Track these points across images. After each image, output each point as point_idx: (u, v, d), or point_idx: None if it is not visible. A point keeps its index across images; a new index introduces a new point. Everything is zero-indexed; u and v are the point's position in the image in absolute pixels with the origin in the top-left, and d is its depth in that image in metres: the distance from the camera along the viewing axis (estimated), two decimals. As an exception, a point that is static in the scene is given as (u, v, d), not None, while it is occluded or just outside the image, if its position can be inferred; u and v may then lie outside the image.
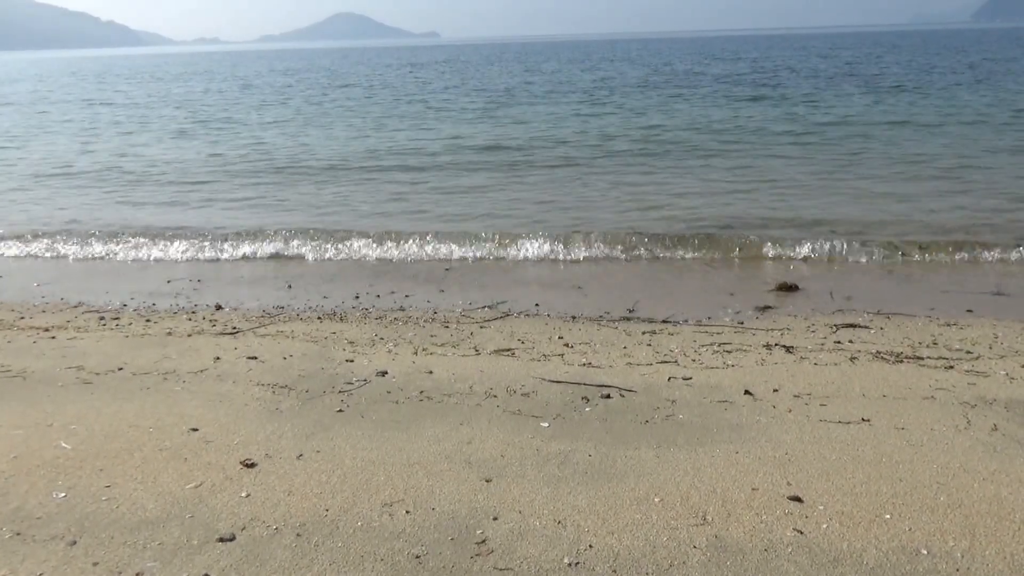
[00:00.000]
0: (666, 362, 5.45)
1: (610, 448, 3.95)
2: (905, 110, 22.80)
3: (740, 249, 9.36)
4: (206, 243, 10.25)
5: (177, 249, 10.11)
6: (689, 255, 9.29)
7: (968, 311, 6.94)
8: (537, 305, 7.41)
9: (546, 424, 4.29)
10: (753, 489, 3.49)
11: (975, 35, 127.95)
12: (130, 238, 10.61)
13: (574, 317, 6.94)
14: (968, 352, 5.62)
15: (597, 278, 8.57)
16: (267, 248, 9.99)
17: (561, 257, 9.41)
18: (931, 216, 10.61)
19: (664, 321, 6.76)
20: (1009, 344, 5.85)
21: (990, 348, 5.73)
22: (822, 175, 13.72)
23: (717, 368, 5.28)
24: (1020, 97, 25.29)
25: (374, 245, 9.92)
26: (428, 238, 9.96)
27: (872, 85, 31.81)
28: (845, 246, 9.22)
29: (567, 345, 5.98)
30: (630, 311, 7.14)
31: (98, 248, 10.37)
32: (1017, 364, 5.29)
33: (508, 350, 5.82)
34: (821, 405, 4.52)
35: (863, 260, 8.91)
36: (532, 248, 9.58)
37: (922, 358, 5.45)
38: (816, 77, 37.50)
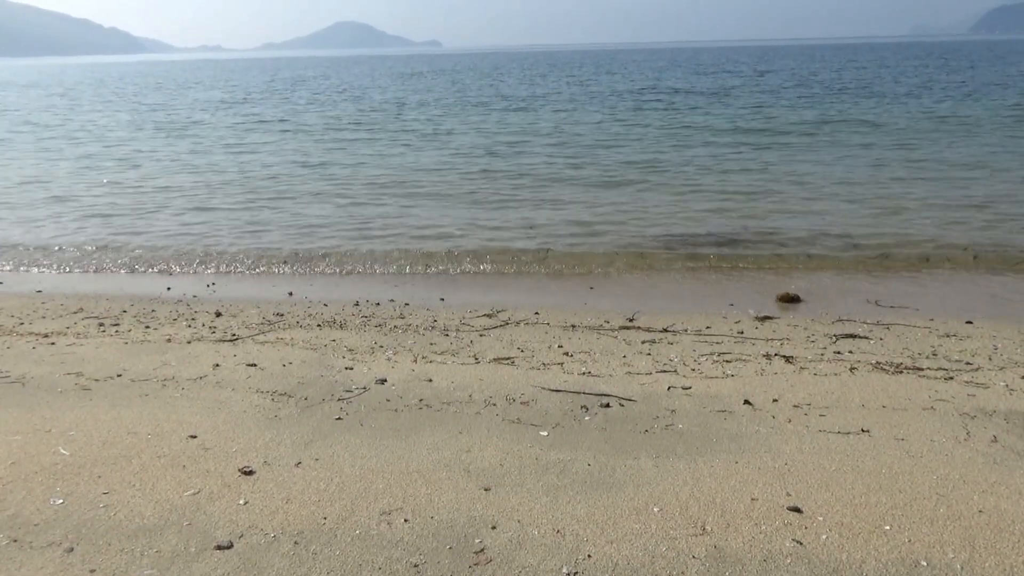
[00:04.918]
0: (666, 371, 5.44)
1: (609, 457, 3.94)
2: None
3: (741, 259, 9.36)
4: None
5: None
6: (691, 264, 9.29)
7: (968, 322, 6.94)
8: (537, 314, 7.41)
9: (545, 433, 4.28)
10: (752, 499, 3.48)
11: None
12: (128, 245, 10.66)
13: (574, 326, 6.94)
14: (968, 363, 5.61)
15: (597, 286, 8.56)
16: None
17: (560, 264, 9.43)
18: (937, 228, 10.61)
19: (664, 330, 6.75)
20: (1009, 355, 5.84)
21: (990, 359, 5.73)
22: (827, 184, 13.75)
23: (717, 378, 5.27)
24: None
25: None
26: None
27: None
28: (846, 256, 9.22)
29: (567, 354, 5.98)
30: (630, 320, 7.14)
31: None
32: (1017, 375, 5.28)
33: (508, 358, 5.82)
34: (820, 415, 4.51)
35: (863, 270, 8.91)
36: (529, 252, 9.59)
37: (922, 369, 5.45)
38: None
